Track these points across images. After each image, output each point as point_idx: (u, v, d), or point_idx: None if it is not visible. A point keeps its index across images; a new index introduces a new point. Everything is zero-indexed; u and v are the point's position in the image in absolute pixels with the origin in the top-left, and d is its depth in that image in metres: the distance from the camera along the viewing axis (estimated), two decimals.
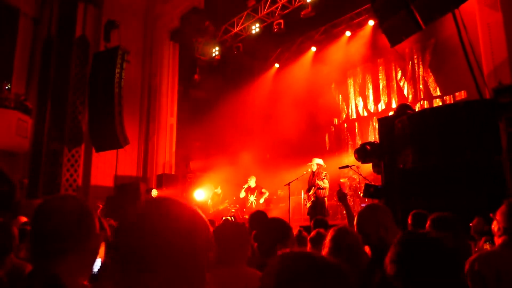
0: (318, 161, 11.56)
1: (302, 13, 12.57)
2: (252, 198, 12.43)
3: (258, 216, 4.34)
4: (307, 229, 5.13)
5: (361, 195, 9.59)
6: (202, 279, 1.05)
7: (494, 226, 2.89)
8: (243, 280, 2.08)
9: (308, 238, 4.01)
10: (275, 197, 13.91)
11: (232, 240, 2.34)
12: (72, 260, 1.45)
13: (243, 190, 12.68)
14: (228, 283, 1.84)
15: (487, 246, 3.91)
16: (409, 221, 4.49)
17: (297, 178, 11.43)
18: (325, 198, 10.92)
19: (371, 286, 2.66)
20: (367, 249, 2.88)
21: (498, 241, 2.85)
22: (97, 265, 2.19)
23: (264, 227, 2.82)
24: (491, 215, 2.96)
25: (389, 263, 1.72)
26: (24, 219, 5.97)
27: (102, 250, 2.18)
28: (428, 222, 3.54)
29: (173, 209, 1.06)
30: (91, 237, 1.54)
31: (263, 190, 12.50)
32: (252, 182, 12.65)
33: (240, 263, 2.29)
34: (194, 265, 1.03)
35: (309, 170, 11.34)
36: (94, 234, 1.56)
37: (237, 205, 13.42)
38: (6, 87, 11.90)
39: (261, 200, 12.13)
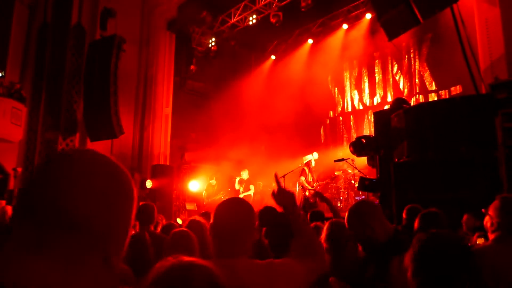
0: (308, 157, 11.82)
1: (303, 4, 12.52)
2: (241, 189, 12.55)
3: (268, 213, 4.28)
4: None
5: (356, 188, 9.63)
6: (116, 246, 0.86)
7: (487, 222, 2.90)
8: (246, 273, 1.90)
9: None
10: (269, 189, 13.92)
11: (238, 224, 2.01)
12: None
13: (237, 182, 12.78)
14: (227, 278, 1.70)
15: (480, 241, 3.93)
16: (404, 215, 4.51)
17: (292, 171, 11.49)
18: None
19: (364, 281, 2.69)
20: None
21: (491, 236, 2.87)
22: None
23: (275, 223, 2.81)
24: (483, 210, 2.97)
25: (408, 263, 1.74)
26: None
27: None
28: (417, 219, 3.57)
29: (85, 159, 0.88)
30: None
31: (250, 187, 12.59)
32: (244, 175, 12.73)
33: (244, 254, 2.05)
34: (91, 226, 0.82)
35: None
36: None
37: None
38: (0, 75, 11.81)
39: (241, 195, 12.11)
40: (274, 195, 2.13)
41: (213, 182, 14.05)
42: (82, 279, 0.82)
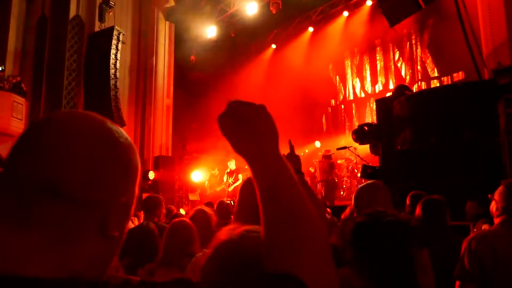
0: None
1: None
2: (230, 180, 12.50)
3: None
4: None
5: (359, 176, 9.61)
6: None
7: (493, 207, 2.90)
8: None
9: None
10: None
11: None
12: None
13: (226, 174, 12.78)
14: None
15: (485, 226, 3.92)
16: (407, 201, 4.49)
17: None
18: None
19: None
20: None
21: (496, 221, 2.87)
22: None
23: None
24: (489, 196, 2.96)
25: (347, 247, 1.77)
26: None
27: None
28: (419, 205, 3.56)
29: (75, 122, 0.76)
30: None
31: (239, 176, 12.57)
32: (232, 165, 12.73)
33: None
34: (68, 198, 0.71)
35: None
36: None
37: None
38: (0, 69, 11.78)
39: (232, 187, 12.14)
40: (286, 157, 2.15)
41: (216, 172, 14.06)
42: (75, 253, 0.72)
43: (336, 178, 12.33)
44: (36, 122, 0.78)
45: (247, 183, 2.09)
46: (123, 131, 0.82)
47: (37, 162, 0.72)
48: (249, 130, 0.91)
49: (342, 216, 3.50)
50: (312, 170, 13.07)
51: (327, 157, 12.20)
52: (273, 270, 0.79)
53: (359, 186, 3.03)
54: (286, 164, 0.91)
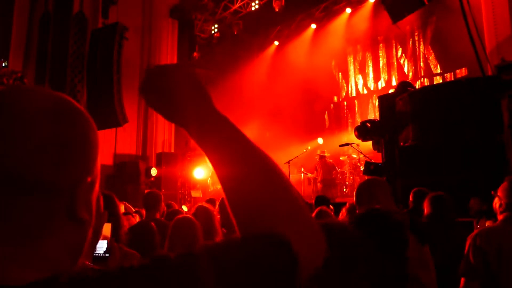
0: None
1: None
2: None
3: None
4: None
5: (362, 172, 9.61)
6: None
7: (496, 203, 2.90)
8: None
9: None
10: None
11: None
12: None
13: None
14: None
15: (489, 223, 3.92)
16: (410, 198, 4.50)
17: (297, 156, 11.49)
18: None
19: None
20: None
21: (500, 217, 2.87)
22: (102, 247, 2.16)
23: None
24: (492, 192, 2.96)
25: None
26: None
27: (107, 230, 2.14)
28: (426, 201, 3.57)
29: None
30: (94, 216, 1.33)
31: None
32: None
33: None
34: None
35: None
36: (97, 213, 1.38)
37: None
38: (3, 64, 11.80)
39: None
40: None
41: None
42: (48, 246, 0.66)
43: (335, 178, 12.41)
44: None
45: None
46: (76, 104, 0.73)
47: None
48: (172, 95, 0.81)
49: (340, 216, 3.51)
50: (310, 175, 13.17)
51: (322, 157, 12.31)
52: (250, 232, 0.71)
53: (359, 184, 3.07)
54: (227, 119, 0.83)
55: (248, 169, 0.76)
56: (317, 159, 12.57)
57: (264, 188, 0.74)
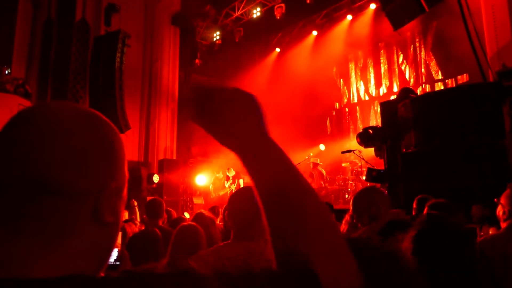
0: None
1: None
2: (233, 187, 12.73)
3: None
4: None
5: (364, 179, 9.60)
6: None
7: (499, 211, 2.90)
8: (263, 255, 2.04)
9: None
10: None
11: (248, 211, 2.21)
12: None
13: (228, 184, 13.05)
14: (243, 259, 1.82)
15: (492, 230, 3.91)
16: (414, 205, 4.48)
17: (299, 163, 11.48)
18: None
19: None
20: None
21: (503, 225, 2.86)
22: (113, 255, 2.15)
23: None
24: (495, 200, 2.96)
25: (408, 244, 1.70)
26: None
27: (118, 239, 2.13)
28: (425, 209, 3.56)
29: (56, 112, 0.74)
30: None
31: (240, 182, 12.85)
32: (231, 173, 13.03)
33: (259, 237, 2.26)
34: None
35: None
36: None
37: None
38: (6, 71, 11.84)
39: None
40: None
41: (220, 175, 14.07)
42: (72, 246, 0.69)
43: (323, 188, 12.66)
44: (13, 118, 0.75)
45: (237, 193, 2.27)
46: (103, 117, 0.79)
47: (19, 159, 0.69)
48: (226, 119, 0.81)
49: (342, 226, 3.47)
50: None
51: (316, 165, 12.53)
52: (284, 267, 0.71)
53: (356, 193, 3.08)
54: (277, 145, 0.85)
55: (293, 198, 0.77)
56: (311, 167, 12.74)
57: (307, 219, 0.75)
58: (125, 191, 0.81)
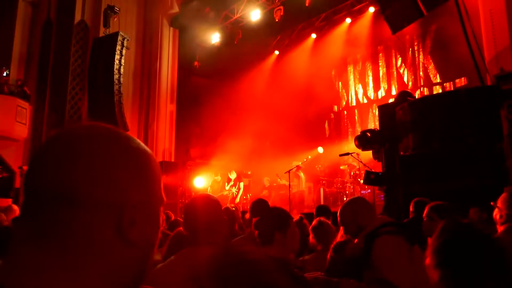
0: None
1: (308, 1, 12.54)
2: (234, 190, 12.76)
3: (259, 204, 4.35)
4: (308, 216, 5.14)
5: (362, 182, 9.60)
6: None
7: (496, 214, 2.90)
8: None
9: (310, 228, 4.02)
10: (275, 184, 13.95)
11: (205, 216, 2.31)
12: None
13: (226, 183, 13.12)
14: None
15: None
16: (411, 208, 4.49)
17: (297, 166, 11.50)
18: None
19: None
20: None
21: (500, 228, 2.87)
22: None
23: (264, 215, 2.86)
24: (492, 203, 2.96)
25: (430, 253, 1.64)
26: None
27: None
28: (426, 210, 3.56)
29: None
30: None
31: (241, 185, 12.92)
32: (233, 176, 13.04)
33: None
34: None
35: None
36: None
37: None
38: (5, 73, 11.85)
39: (237, 199, 12.74)
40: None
41: (218, 178, 14.08)
42: (95, 261, 0.71)
43: (301, 191, 13.01)
44: (52, 134, 0.79)
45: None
46: (134, 139, 0.83)
47: (51, 171, 0.72)
48: None
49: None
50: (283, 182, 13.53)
51: (297, 168, 12.75)
52: None
53: (341, 206, 3.12)
54: None
55: None
56: (294, 171, 12.84)
57: None
58: (159, 213, 0.82)
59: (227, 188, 13.23)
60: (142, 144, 0.83)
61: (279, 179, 13.68)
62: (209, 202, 2.39)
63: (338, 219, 3.04)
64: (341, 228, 3.29)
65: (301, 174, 12.92)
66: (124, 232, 0.73)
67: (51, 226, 0.70)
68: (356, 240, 2.94)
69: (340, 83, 16.24)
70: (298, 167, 12.80)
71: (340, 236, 3.40)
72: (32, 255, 0.69)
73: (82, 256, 0.70)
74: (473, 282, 1.49)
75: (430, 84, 13.27)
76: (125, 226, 0.73)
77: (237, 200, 12.53)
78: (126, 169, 0.76)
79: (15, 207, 6.25)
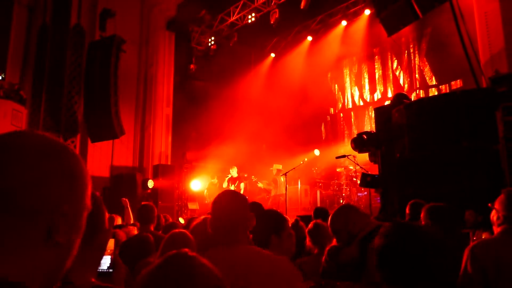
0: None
1: (303, 3, 12.56)
2: (232, 187, 12.70)
3: (254, 207, 4.34)
4: (305, 218, 5.15)
5: (358, 184, 9.62)
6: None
7: (493, 216, 2.90)
8: (246, 259, 2.08)
9: (306, 230, 4.02)
10: (271, 187, 13.95)
11: (233, 214, 2.26)
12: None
13: (226, 180, 13.00)
14: (227, 264, 1.78)
15: (485, 235, 3.93)
16: (407, 211, 4.50)
17: (293, 168, 11.50)
18: None
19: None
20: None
21: (497, 230, 2.87)
22: (106, 262, 2.14)
23: (259, 218, 2.87)
24: (489, 205, 2.97)
25: (374, 254, 1.67)
26: None
27: (111, 246, 2.13)
28: (423, 213, 3.56)
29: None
30: (98, 232, 1.37)
31: (241, 185, 12.86)
32: (234, 172, 12.96)
33: (243, 241, 2.26)
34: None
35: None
36: (102, 229, 1.40)
37: None
38: (0, 77, 11.80)
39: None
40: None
41: (215, 181, 14.07)
42: (20, 262, 0.76)
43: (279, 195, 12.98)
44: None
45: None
46: (68, 146, 0.89)
47: None
48: None
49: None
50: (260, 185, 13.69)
51: (278, 171, 12.91)
52: None
53: (332, 213, 3.15)
54: None
55: None
56: (274, 174, 12.89)
57: None
58: (83, 218, 0.88)
59: (224, 187, 13.17)
60: (76, 154, 0.89)
61: (259, 183, 13.66)
62: (237, 200, 2.38)
63: (329, 228, 3.07)
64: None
65: (282, 178, 12.79)
66: (53, 236, 0.80)
67: None
68: (350, 247, 2.95)
69: (336, 85, 16.27)
70: (278, 170, 12.88)
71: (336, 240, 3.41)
72: None
73: (11, 255, 0.76)
74: (409, 284, 1.53)
75: (426, 86, 13.32)
76: (54, 231, 0.80)
77: None
78: (59, 180, 0.82)
79: None
